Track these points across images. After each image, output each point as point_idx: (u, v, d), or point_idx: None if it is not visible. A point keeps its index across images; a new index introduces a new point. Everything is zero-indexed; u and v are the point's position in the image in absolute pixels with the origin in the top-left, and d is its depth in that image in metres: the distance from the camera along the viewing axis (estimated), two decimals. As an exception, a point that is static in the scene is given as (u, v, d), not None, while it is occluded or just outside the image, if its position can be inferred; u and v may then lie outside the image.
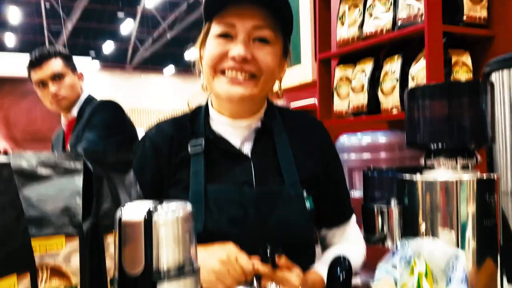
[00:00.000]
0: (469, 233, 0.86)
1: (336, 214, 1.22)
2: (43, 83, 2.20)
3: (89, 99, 2.30)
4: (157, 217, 0.67)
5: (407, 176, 0.93)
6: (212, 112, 1.16)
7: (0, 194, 0.60)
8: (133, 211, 0.67)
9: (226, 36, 1.05)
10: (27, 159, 0.80)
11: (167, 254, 0.67)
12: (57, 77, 2.19)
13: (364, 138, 1.62)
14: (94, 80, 5.32)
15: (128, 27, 16.53)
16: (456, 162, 0.89)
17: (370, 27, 1.65)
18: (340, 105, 1.84)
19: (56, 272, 0.73)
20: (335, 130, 1.92)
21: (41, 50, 2.21)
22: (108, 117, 2.18)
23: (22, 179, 0.78)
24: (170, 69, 19.18)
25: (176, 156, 1.12)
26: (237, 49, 1.03)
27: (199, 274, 0.71)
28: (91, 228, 0.80)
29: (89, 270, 0.77)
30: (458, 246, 0.85)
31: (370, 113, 1.68)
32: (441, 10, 1.43)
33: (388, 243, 1.01)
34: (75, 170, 0.82)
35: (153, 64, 18.77)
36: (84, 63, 5.27)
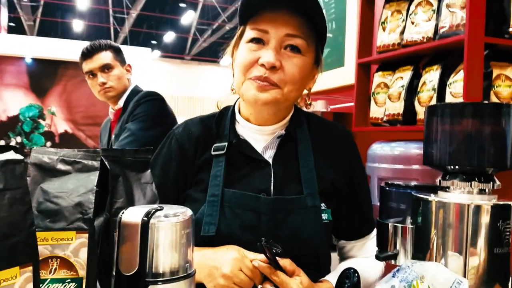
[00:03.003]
0: (478, 259, 0.83)
1: (356, 228, 1.20)
2: (92, 74, 2.32)
3: (136, 90, 2.39)
4: (154, 220, 0.70)
5: (422, 195, 0.91)
6: (238, 116, 1.17)
7: (11, 189, 0.65)
8: (133, 213, 0.71)
9: (258, 41, 1.05)
10: (48, 155, 0.85)
11: (162, 257, 0.69)
12: (106, 68, 2.31)
13: (397, 148, 1.59)
14: (154, 69, 5.49)
15: (188, 18, 16.86)
16: (471, 185, 0.85)
17: (411, 34, 1.61)
18: (377, 112, 1.80)
19: (65, 263, 0.78)
20: (370, 137, 1.88)
21: (93, 43, 2.33)
22: (150, 109, 2.25)
23: (43, 173, 0.84)
24: (226, 60, 19.42)
25: (200, 157, 1.14)
26: (267, 56, 1.02)
27: (194, 279, 0.74)
28: (104, 223, 0.84)
29: (97, 264, 0.81)
30: (465, 271, 0.82)
31: (406, 123, 1.63)
32: (484, 20, 1.36)
33: (400, 260, 0.99)
34: (92, 168, 0.86)
35: (210, 55, 19.07)
36: (144, 53, 5.50)
